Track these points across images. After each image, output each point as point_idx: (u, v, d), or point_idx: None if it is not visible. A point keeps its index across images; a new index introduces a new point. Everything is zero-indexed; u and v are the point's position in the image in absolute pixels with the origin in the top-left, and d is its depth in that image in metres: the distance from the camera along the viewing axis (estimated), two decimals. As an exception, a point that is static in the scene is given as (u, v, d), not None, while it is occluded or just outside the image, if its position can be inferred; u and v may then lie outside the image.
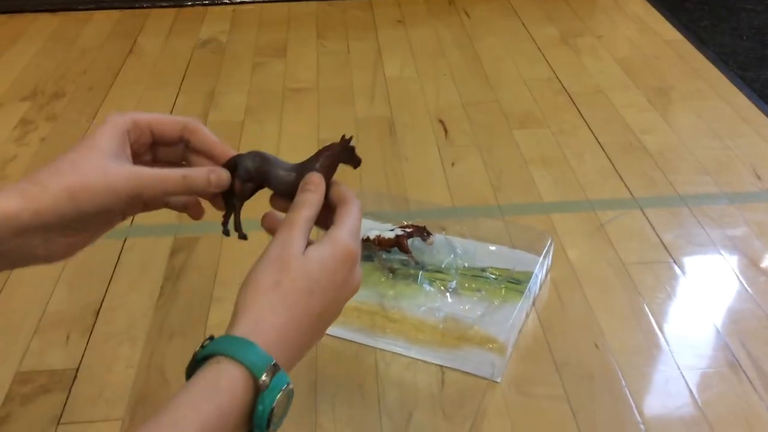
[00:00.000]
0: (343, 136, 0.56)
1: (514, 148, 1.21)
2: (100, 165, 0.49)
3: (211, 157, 0.55)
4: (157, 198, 0.53)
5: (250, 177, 0.54)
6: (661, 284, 0.92)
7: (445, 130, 1.26)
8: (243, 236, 0.56)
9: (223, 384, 0.43)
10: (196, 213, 0.58)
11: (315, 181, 0.53)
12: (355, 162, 0.56)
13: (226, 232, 0.56)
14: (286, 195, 0.54)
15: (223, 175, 0.53)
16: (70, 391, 0.78)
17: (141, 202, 0.51)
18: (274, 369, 0.44)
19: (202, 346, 0.46)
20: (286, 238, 0.49)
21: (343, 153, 0.56)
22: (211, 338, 0.46)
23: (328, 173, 0.54)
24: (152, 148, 0.56)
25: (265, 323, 0.46)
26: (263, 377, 0.43)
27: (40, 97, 1.39)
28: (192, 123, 0.55)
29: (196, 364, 0.46)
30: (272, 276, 0.48)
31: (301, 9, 1.78)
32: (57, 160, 0.49)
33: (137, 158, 0.54)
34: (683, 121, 1.28)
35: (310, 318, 0.48)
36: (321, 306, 0.49)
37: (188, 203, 0.58)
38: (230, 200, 0.55)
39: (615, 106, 1.33)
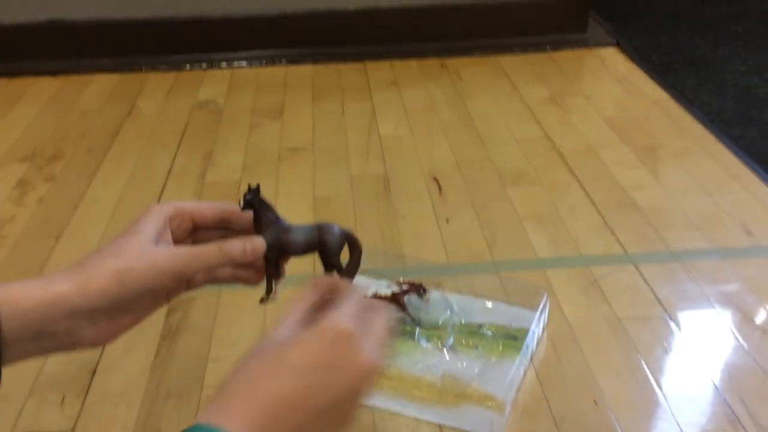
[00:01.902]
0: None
1: (507, 204, 1.23)
2: (142, 248, 0.52)
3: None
4: (199, 272, 0.55)
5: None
6: (657, 340, 0.92)
7: (440, 188, 1.28)
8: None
9: None
10: (248, 278, 0.61)
11: (316, 282, 0.55)
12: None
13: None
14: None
15: (257, 243, 0.56)
16: (64, 454, 0.77)
17: (183, 279, 0.54)
18: None
19: None
20: (276, 327, 0.50)
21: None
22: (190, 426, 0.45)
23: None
24: (192, 234, 0.59)
25: (230, 407, 0.45)
26: None
27: (39, 158, 1.41)
28: (230, 206, 0.59)
29: None
30: (246, 360, 0.47)
31: (298, 72, 1.82)
32: (103, 246, 0.53)
33: (178, 243, 0.57)
34: (672, 178, 1.31)
35: (287, 402, 0.46)
36: (300, 390, 0.46)
37: (237, 273, 0.60)
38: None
39: (605, 163, 1.36)
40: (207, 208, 0.59)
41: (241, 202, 0.57)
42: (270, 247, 0.58)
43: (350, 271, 0.62)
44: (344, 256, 0.62)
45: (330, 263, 0.61)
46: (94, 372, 0.88)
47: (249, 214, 0.59)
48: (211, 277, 0.60)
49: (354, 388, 0.49)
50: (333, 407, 0.48)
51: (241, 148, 1.43)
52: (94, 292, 0.50)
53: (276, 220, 0.59)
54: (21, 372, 0.87)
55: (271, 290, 0.60)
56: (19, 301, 0.48)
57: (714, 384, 0.86)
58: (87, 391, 0.85)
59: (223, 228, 0.60)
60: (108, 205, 1.24)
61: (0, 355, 0.48)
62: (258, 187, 0.58)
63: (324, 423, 0.48)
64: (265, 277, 0.61)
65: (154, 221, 0.55)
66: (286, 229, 0.59)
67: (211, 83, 1.76)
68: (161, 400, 0.84)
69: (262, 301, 0.61)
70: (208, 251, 0.54)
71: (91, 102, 1.67)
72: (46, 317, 0.49)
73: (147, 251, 0.52)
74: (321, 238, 0.60)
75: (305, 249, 0.60)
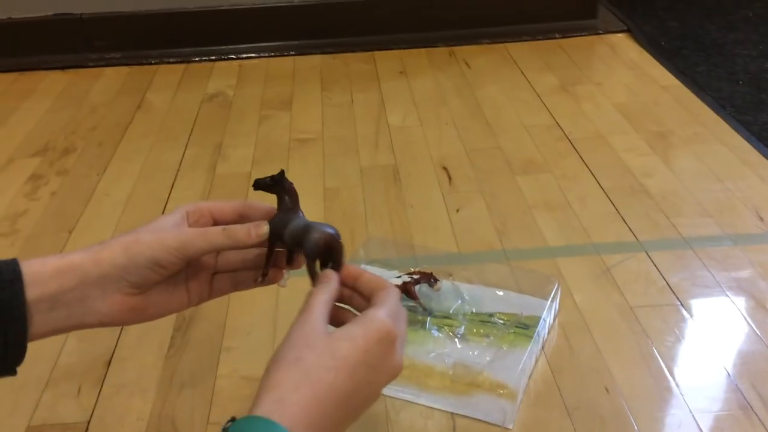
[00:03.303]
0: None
1: (517, 193, 1.22)
2: (155, 228, 0.55)
3: None
4: (203, 252, 0.56)
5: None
6: (669, 327, 0.92)
7: (449, 177, 1.28)
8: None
9: None
10: (272, 278, 0.62)
11: (327, 274, 0.57)
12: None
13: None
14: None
15: (262, 227, 0.57)
16: (81, 445, 0.78)
17: (187, 256, 0.55)
18: None
19: (224, 429, 0.45)
20: (306, 319, 0.51)
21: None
22: (233, 419, 0.45)
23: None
24: None
25: (287, 401, 0.45)
26: None
27: (51, 152, 1.42)
28: (248, 202, 0.61)
29: None
30: (294, 353, 0.48)
31: (306, 63, 1.82)
32: None
33: None
34: (683, 164, 1.30)
35: (338, 397, 0.47)
36: (350, 385, 0.48)
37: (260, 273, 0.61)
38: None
39: (615, 150, 1.35)
40: (225, 204, 0.61)
41: (271, 185, 0.59)
42: (271, 230, 0.58)
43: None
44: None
45: (306, 264, 0.59)
46: (109, 363, 0.89)
47: (266, 208, 0.60)
48: (236, 281, 0.62)
49: (383, 386, 0.52)
50: (366, 401, 0.51)
51: (250, 139, 1.44)
52: (104, 261, 0.53)
53: (291, 208, 0.59)
54: (37, 363, 0.88)
55: (266, 273, 0.60)
56: (38, 271, 0.51)
57: (726, 371, 0.86)
58: (102, 382, 0.86)
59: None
60: (120, 198, 1.25)
61: (25, 323, 0.50)
62: (282, 172, 0.60)
63: (354, 416, 0.50)
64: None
65: (173, 215, 0.58)
66: (290, 219, 0.59)
67: (220, 75, 1.76)
68: (175, 390, 0.85)
69: (255, 281, 0.61)
70: (213, 231, 0.56)
71: (101, 96, 1.67)
72: (60, 285, 0.52)
73: (157, 230, 0.55)
74: (302, 236, 0.57)
75: (291, 242, 0.58)
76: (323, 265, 0.58)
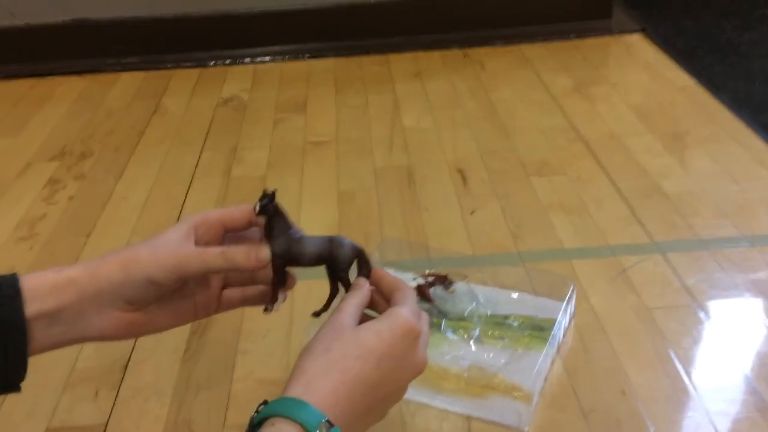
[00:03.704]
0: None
1: (532, 195, 1.22)
2: (154, 245, 0.54)
3: None
4: (199, 272, 0.55)
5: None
6: (686, 329, 0.92)
7: (464, 179, 1.28)
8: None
9: None
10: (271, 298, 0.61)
11: (360, 282, 0.58)
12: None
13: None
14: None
15: (263, 252, 0.56)
16: (99, 447, 0.79)
17: (183, 276, 0.54)
18: (328, 425, 0.45)
19: (257, 411, 0.48)
20: (336, 318, 0.53)
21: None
22: (265, 402, 0.47)
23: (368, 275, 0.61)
24: (225, 240, 0.60)
25: (316, 385, 0.48)
26: None
27: (68, 157, 1.43)
28: None
29: (252, 429, 0.47)
30: (323, 344, 0.50)
31: (320, 65, 1.83)
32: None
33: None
34: (700, 165, 1.29)
35: (365, 385, 0.49)
36: (376, 376, 0.50)
37: (266, 292, 0.61)
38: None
39: (631, 152, 1.34)
40: (235, 210, 0.59)
41: (257, 208, 0.56)
42: (279, 256, 0.57)
43: None
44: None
45: (339, 277, 0.60)
46: (126, 366, 0.90)
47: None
48: (242, 296, 0.62)
49: (408, 382, 0.54)
50: (392, 396, 0.54)
51: (265, 143, 1.45)
52: (101, 277, 0.53)
53: (289, 228, 0.58)
54: (55, 368, 0.89)
55: (276, 299, 0.60)
56: (36, 287, 0.51)
57: (744, 373, 0.85)
58: (119, 386, 0.87)
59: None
60: (137, 202, 1.26)
61: (25, 339, 0.50)
62: (273, 193, 0.57)
63: (380, 409, 0.52)
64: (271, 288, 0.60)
65: (179, 227, 0.56)
66: (298, 239, 0.58)
67: (235, 79, 1.77)
68: (192, 393, 0.85)
69: (266, 310, 0.60)
70: (211, 254, 0.55)
71: (118, 100, 1.69)
72: (59, 301, 0.52)
73: (157, 247, 0.54)
74: (332, 251, 0.59)
75: (315, 261, 0.59)
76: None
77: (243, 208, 0.60)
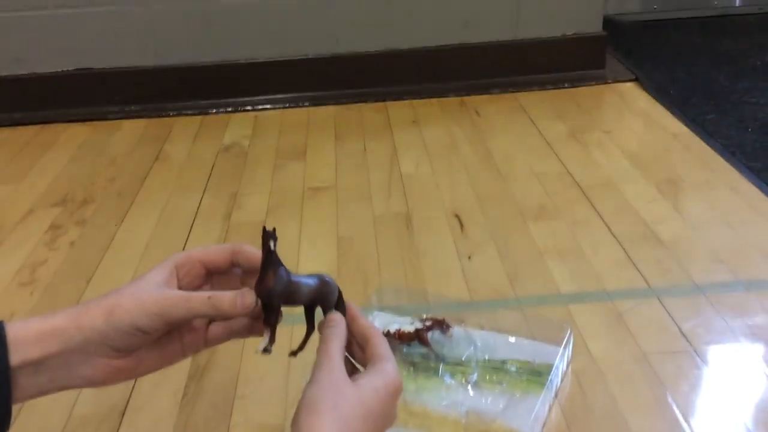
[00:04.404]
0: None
1: (529, 240, 1.23)
2: (138, 290, 0.54)
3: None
4: (185, 318, 0.55)
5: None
6: (684, 374, 0.92)
7: (461, 224, 1.29)
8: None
9: None
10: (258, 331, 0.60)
11: (336, 318, 0.59)
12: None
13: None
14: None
15: (248, 298, 0.55)
16: (95, 493, 0.78)
17: (169, 322, 0.54)
18: None
19: None
20: (331, 366, 0.54)
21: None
22: None
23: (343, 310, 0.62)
24: (208, 279, 0.60)
25: None
26: None
27: (70, 203, 1.45)
28: (237, 245, 0.59)
29: None
30: (330, 401, 0.51)
31: (320, 113, 1.86)
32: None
33: (191, 289, 0.58)
34: (694, 210, 1.31)
35: None
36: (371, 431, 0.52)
37: (252, 325, 0.61)
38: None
39: (626, 197, 1.36)
40: (215, 252, 0.59)
41: (272, 245, 0.55)
42: (278, 295, 0.57)
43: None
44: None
45: (324, 313, 0.61)
46: (123, 412, 0.89)
47: (256, 254, 0.57)
48: (228, 330, 0.60)
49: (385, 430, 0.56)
50: None
51: (265, 189, 1.46)
52: (85, 326, 0.52)
53: (281, 266, 0.57)
54: (52, 414, 0.89)
55: (274, 340, 0.58)
56: (21, 336, 0.51)
57: (741, 418, 0.85)
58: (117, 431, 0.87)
59: (241, 271, 0.61)
60: (137, 247, 1.27)
61: (9, 386, 0.50)
62: (274, 230, 0.57)
63: None
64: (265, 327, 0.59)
65: (162, 269, 0.56)
66: (291, 279, 0.58)
67: (236, 126, 1.80)
68: (189, 439, 0.85)
69: (265, 350, 0.58)
70: (196, 299, 0.54)
71: (121, 147, 1.71)
72: (43, 350, 0.51)
73: (140, 292, 0.53)
74: (323, 291, 0.60)
75: (309, 299, 0.60)
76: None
77: (223, 249, 0.59)
